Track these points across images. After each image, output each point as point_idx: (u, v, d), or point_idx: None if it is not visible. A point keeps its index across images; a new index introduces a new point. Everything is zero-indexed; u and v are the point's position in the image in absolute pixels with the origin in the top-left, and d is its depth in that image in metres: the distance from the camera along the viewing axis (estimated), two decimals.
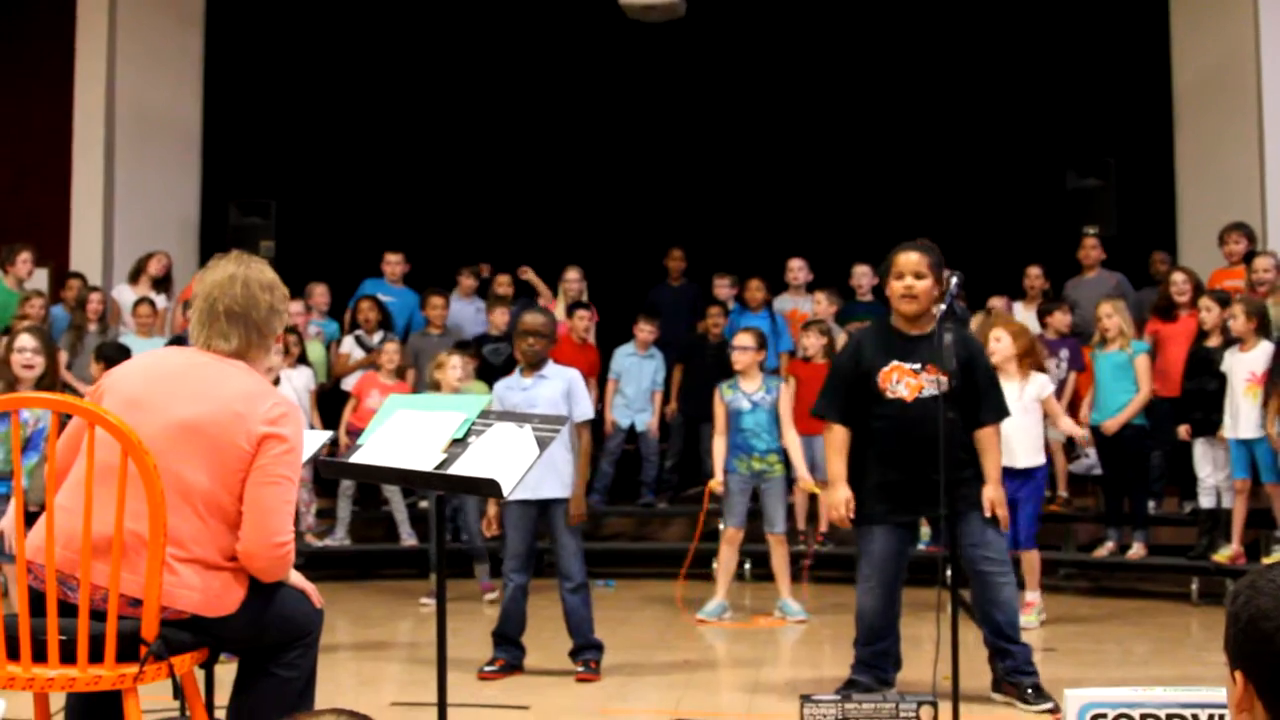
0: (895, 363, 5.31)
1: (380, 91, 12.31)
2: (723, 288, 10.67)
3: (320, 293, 10.70)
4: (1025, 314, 9.70)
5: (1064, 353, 9.08)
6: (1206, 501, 8.31)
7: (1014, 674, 5.42)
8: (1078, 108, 11.33)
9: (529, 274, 11.02)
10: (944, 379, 5.10)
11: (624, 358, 10.01)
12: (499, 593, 6.68)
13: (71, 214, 11.56)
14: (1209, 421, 8.22)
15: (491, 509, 6.50)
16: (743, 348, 7.85)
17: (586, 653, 6.14)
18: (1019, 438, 6.98)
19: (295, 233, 11.67)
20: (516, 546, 6.21)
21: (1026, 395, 7.08)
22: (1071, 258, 10.08)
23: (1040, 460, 7.28)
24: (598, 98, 12.14)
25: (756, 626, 7.66)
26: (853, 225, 11.38)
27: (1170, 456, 9.01)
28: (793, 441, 7.86)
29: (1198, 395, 8.29)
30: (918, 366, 5.27)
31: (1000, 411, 5.46)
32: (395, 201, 12.20)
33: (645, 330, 10.03)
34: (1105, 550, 8.69)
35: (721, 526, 7.95)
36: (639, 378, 10.04)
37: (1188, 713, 3.42)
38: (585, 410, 6.20)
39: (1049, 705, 5.28)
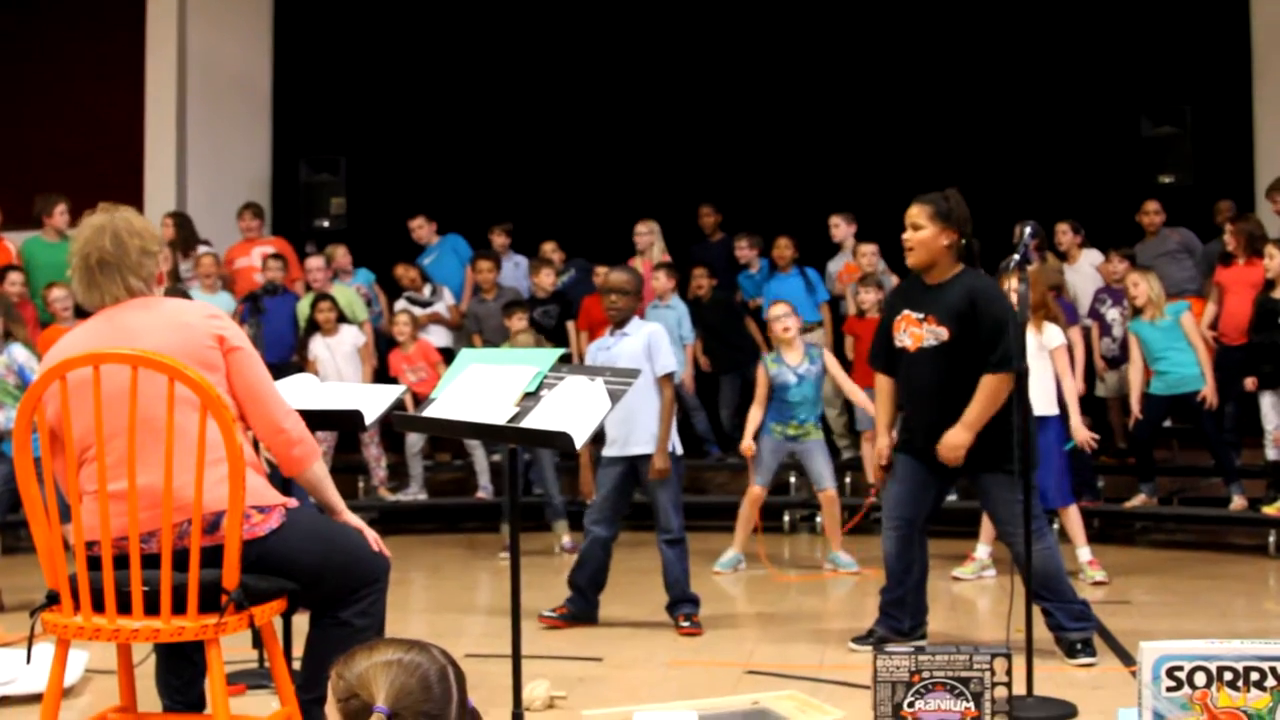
0: (906, 311, 5.30)
1: (449, 47, 12.31)
2: (743, 249, 10.55)
3: (341, 254, 10.59)
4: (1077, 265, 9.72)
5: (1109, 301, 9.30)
6: (1274, 454, 8.25)
7: (1056, 630, 5.32)
8: (1152, 54, 11.11)
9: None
10: (943, 331, 5.14)
11: (646, 309, 9.73)
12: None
13: (145, 175, 11.70)
14: (1278, 374, 8.13)
15: (585, 473, 6.50)
16: (785, 319, 7.80)
17: (684, 606, 6.14)
18: (1033, 386, 6.86)
19: (365, 189, 11.74)
20: (600, 500, 6.28)
21: (1040, 344, 6.97)
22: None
23: (1054, 410, 7.06)
24: (644, 52, 12.00)
25: (819, 579, 7.68)
26: (921, 175, 11.23)
27: (1242, 407, 8.88)
28: (859, 399, 7.95)
29: (1265, 347, 8.20)
30: (920, 316, 5.24)
31: (1002, 362, 5.01)
32: (464, 157, 12.21)
33: (660, 280, 9.91)
34: (1138, 501, 8.68)
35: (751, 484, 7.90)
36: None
37: (1266, 665, 3.38)
38: (667, 364, 6.14)
39: (1090, 659, 5.20)
